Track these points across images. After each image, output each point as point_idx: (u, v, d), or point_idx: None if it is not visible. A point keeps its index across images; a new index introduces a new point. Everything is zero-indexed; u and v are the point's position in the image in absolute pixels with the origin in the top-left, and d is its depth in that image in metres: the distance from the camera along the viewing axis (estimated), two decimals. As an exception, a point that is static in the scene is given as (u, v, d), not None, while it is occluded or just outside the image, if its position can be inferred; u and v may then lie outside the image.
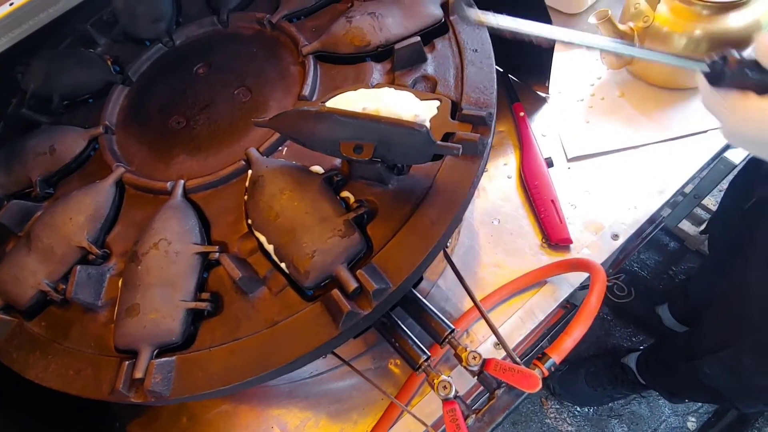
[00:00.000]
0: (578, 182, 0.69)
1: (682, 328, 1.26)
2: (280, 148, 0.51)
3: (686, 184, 0.68)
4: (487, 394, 0.46)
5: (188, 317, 0.43)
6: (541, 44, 0.41)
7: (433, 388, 0.46)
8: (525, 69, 0.78)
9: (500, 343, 0.48)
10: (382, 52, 0.55)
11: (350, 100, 0.47)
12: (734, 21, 0.63)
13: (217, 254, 0.45)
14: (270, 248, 0.44)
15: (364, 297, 0.40)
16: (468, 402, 0.59)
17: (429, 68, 0.53)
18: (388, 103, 0.45)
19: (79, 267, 0.46)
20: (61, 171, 0.56)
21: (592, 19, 0.64)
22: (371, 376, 0.61)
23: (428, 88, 0.52)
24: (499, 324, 0.60)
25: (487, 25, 0.42)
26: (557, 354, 0.45)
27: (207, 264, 0.46)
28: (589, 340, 1.39)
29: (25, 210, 0.53)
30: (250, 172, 0.49)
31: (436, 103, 0.48)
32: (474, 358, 0.45)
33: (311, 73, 0.54)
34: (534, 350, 0.71)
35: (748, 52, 0.34)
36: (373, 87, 0.52)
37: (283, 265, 0.43)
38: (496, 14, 0.41)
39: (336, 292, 0.40)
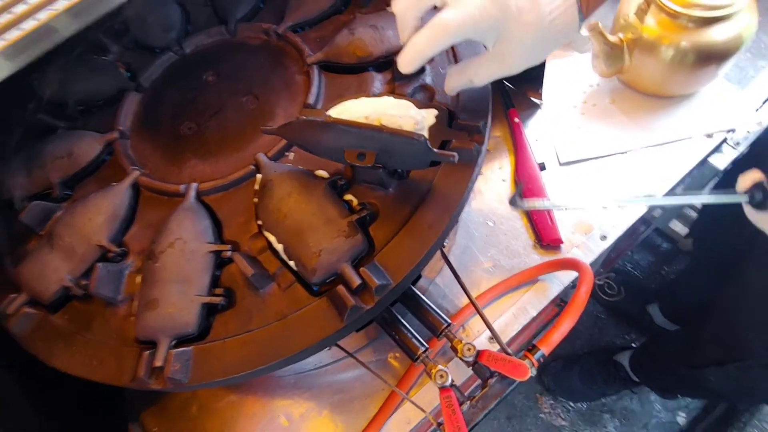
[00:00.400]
0: (570, 185, 0.72)
1: (673, 327, 1.29)
2: (287, 153, 0.54)
3: (674, 187, 0.71)
4: (481, 383, 0.49)
5: (203, 311, 0.46)
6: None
7: (430, 377, 0.49)
8: (519, 76, 0.80)
9: (494, 336, 0.51)
10: (383, 63, 0.58)
11: (353, 109, 0.50)
12: (718, 34, 0.66)
13: (230, 252, 0.48)
14: (279, 247, 0.47)
15: (367, 292, 0.44)
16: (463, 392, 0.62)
17: (428, 78, 0.56)
18: (389, 112, 0.48)
19: (99, 264, 0.49)
20: (78, 174, 0.59)
21: (583, 31, 0.68)
22: (372, 368, 0.64)
23: (426, 97, 0.55)
24: (493, 319, 0.63)
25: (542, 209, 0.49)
26: (546, 346, 0.48)
27: (220, 262, 0.49)
28: (583, 337, 1.43)
29: (46, 210, 0.56)
30: (259, 176, 0.52)
31: (434, 112, 0.52)
32: (469, 349, 0.48)
33: (316, 82, 0.57)
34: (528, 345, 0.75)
35: None
36: (375, 96, 0.55)
37: (291, 263, 0.46)
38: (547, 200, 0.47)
39: (341, 288, 0.44)
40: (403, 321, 0.53)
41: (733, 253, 0.79)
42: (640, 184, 0.70)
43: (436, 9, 0.44)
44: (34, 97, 0.68)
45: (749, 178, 0.44)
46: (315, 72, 0.59)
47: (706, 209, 1.06)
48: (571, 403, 1.34)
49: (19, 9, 0.47)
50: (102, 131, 0.61)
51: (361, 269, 0.44)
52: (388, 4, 0.54)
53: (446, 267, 0.69)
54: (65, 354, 0.48)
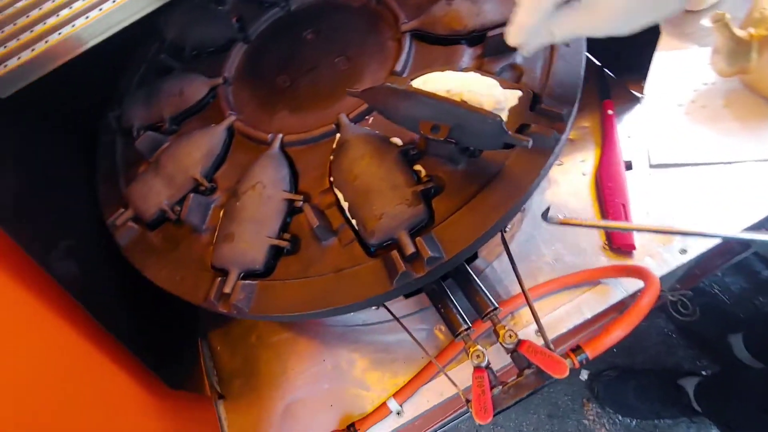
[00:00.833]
0: (657, 190, 0.67)
1: (757, 364, 1.17)
2: (367, 117, 0.56)
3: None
4: (517, 372, 0.50)
5: (271, 251, 0.51)
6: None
7: (468, 355, 0.50)
8: (623, 64, 0.75)
9: (539, 328, 0.51)
10: (476, 37, 0.57)
11: (437, 81, 0.51)
12: None
13: (301, 203, 0.52)
14: (345, 205, 0.50)
15: (419, 262, 0.45)
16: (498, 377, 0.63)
17: (518, 58, 0.54)
18: (471, 88, 0.48)
19: (192, 195, 0.55)
20: (185, 112, 0.66)
21: (705, 22, 0.61)
22: (419, 335, 0.67)
23: (514, 77, 0.54)
24: (544, 313, 0.62)
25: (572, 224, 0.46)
26: (591, 350, 0.47)
27: (292, 209, 0.53)
28: (648, 353, 1.35)
29: (156, 141, 0.63)
30: (338, 135, 0.55)
31: (518, 93, 0.50)
32: (510, 336, 0.49)
33: (405, 51, 0.58)
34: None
35: None
36: (461, 70, 0.55)
37: (354, 221, 0.49)
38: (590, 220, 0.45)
39: (395, 253, 0.46)
40: (450, 296, 0.55)
41: None
42: (740, 202, 0.64)
43: None
44: (158, 39, 0.76)
45: None
46: (407, 40, 0.59)
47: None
48: (619, 417, 1.29)
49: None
50: (210, 76, 0.68)
51: (417, 239, 0.46)
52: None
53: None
54: (155, 267, 0.55)
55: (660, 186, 0.67)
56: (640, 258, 0.63)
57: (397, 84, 0.52)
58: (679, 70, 0.74)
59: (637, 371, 1.29)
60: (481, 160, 0.49)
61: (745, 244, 0.93)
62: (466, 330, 0.52)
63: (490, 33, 0.54)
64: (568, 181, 0.72)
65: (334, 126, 0.56)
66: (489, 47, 0.55)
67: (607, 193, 0.66)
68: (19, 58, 0.51)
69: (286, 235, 0.52)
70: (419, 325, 0.68)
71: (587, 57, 0.79)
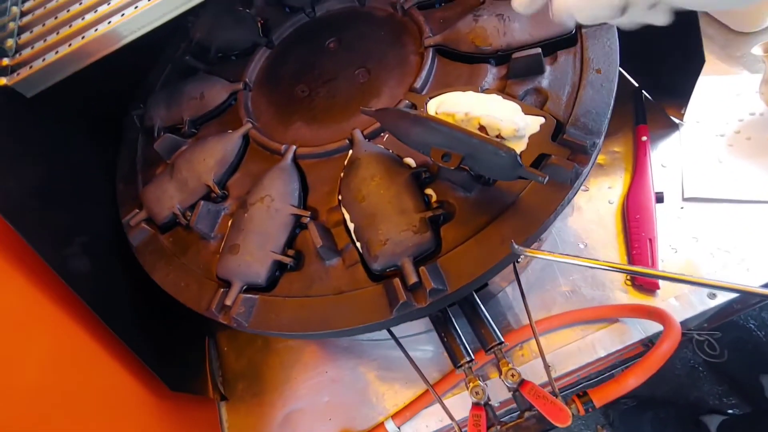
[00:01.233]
0: (688, 226, 0.63)
1: (790, 408, 1.10)
2: (382, 134, 0.55)
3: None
4: (519, 412, 0.47)
5: (274, 266, 0.50)
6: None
7: (467, 388, 0.49)
8: (662, 86, 0.71)
9: (545, 368, 0.49)
10: (501, 57, 0.55)
11: (456, 102, 0.49)
12: None
13: (308, 219, 0.51)
14: (351, 226, 0.49)
15: (421, 292, 0.44)
16: (500, 412, 0.61)
17: (544, 82, 0.52)
18: (490, 112, 0.46)
19: (202, 202, 0.55)
20: (205, 115, 0.66)
21: (757, 50, 0.56)
22: (425, 355, 0.65)
23: (538, 102, 0.51)
24: (553, 348, 0.59)
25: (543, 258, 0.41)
26: (598, 399, 0.45)
27: (298, 225, 0.53)
28: (670, 384, 1.28)
29: (175, 143, 0.64)
30: (350, 152, 0.54)
31: (541, 120, 0.48)
32: (512, 375, 0.46)
33: (427, 67, 0.56)
34: (588, 383, 0.69)
35: None
36: (483, 91, 0.53)
37: (358, 244, 0.48)
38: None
39: (397, 281, 0.44)
40: (455, 324, 0.53)
41: None
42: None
43: None
44: (185, 39, 0.76)
45: None
46: (429, 55, 0.57)
47: None
48: (634, 448, 1.23)
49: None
50: (232, 80, 0.68)
51: (421, 268, 0.44)
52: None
53: (522, 277, 0.66)
54: (163, 271, 0.56)
55: (692, 222, 0.63)
56: (664, 297, 0.59)
57: (415, 102, 0.51)
58: (724, 97, 0.69)
59: (656, 402, 1.23)
60: (494, 189, 0.47)
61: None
62: (468, 362, 0.51)
63: (515, 55, 0.51)
64: (593, 208, 0.68)
65: (347, 141, 0.55)
66: (513, 69, 0.52)
67: (634, 225, 0.62)
68: (44, 59, 0.52)
69: (291, 251, 0.51)
70: (426, 345, 0.67)
71: (624, 76, 0.76)
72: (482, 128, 0.46)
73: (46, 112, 0.57)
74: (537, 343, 0.49)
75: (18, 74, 0.52)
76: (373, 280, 0.47)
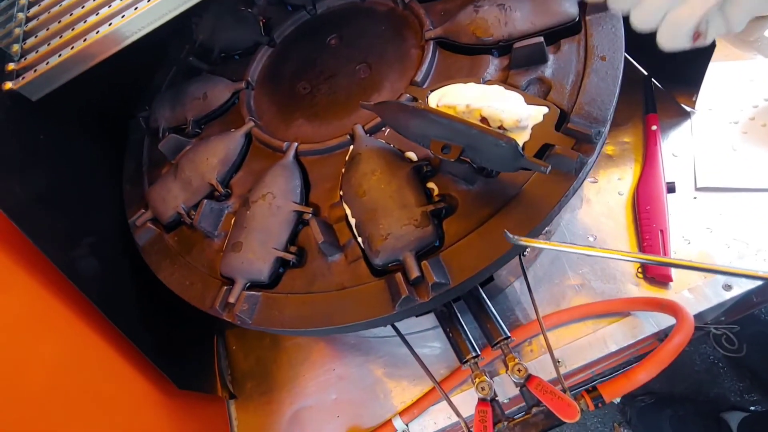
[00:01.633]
0: (701, 216, 0.61)
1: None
2: (383, 128, 0.54)
3: None
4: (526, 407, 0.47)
5: (277, 263, 0.50)
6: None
7: (474, 384, 0.48)
8: (672, 74, 0.69)
9: (553, 364, 0.48)
10: (503, 47, 0.54)
11: (457, 94, 0.48)
12: None
13: (310, 216, 0.51)
14: (352, 221, 0.48)
15: (424, 287, 0.43)
16: (512, 409, 0.60)
17: (547, 71, 0.50)
18: (492, 103, 0.45)
19: (206, 201, 0.56)
20: (208, 115, 0.67)
21: (770, 33, 0.54)
22: (433, 352, 0.65)
23: (541, 92, 0.50)
24: (563, 343, 0.58)
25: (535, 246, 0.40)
26: (609, 393, 0.43)
27: (300, 221, 0.52)
28: (689, 380, 1.26)
29: (179, 143, 0.64)
30: (351, 147, 0.53)
31: (544, 110, 0.47)
32: (519, 370, 0.45)
33: (428, 60, 0.56)
34: (600, 379, 0.68)
35: None
36: (485, 82, 0.52)
37: (360, 239, 0.47)
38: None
39: (399, 276, 0.44)
40: (461, 320, 0.52)
41: None
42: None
43: None
44: (189, 41, 0.77)
45: None
46: (430, 48, 0.57)
47: None
48: (653, 446, 1.21)
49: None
50: (234, 79, 0.68)
51: (423, 262, 0.43)
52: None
53: (531, 271, 0.65)
54: (169, 270, 0.56)
55: (706, 212, 0.61)
56: (677, 290, 0.58)
57: (417, 95, 0.51)
58: (738, 83, 0.67)
59: (675, 399, 1.20)
60: (497, 181, 0.46)
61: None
62: (474, 358, 0.50)
63: (517, 45, 0.50)
64: (602, 200, 0.67)
65: (348, 137, 0.54)
66: (515, 59, 0.51)
67: (644, 216, 0.61)
68: (47, 63, 0.53)
69: (293, 248, 0.51)
70: (433, 342, 0.66)
71: (633, 64, 0.74)
72: (484, 120, 0.45)
73: (52, 115, 0.58)
74: (544, 337, 0.48)
75: (23, 78, 0.53)
76: (376, 275, 0.47)
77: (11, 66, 0.55)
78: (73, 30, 0.56)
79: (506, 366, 0.48)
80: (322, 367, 0.70)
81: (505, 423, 0.45)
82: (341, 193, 0.51)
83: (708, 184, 0.62)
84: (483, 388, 0.46)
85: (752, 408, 1.17)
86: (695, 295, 0.56)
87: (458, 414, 0.49)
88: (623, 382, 0.44)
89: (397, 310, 0.43)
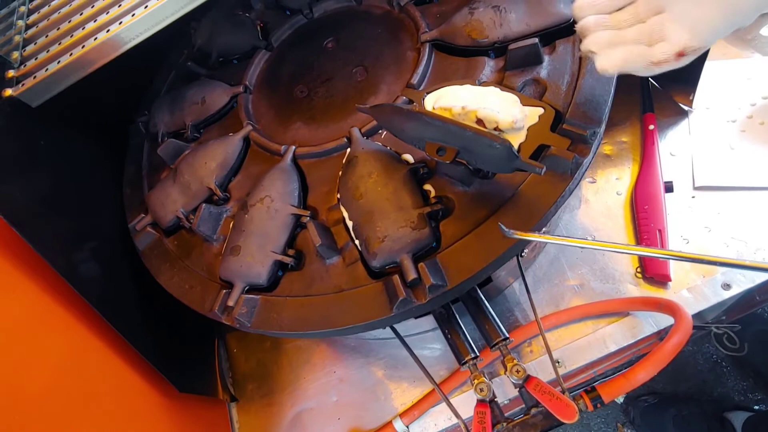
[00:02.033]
0: (700, 215, 0.61)
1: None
2: (380, 131, 0.55)
3: None
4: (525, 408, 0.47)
5: (275, 266, 0.51)
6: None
7: (472, 386, 0.48)
8: (669, 73, 0.68)
9: (552, 364, 0.48)
10: (498, 49, 0.54)
11: (452, 96, 0.48)
12: None
13: (308, 219, 0.51)
14: (350, 224, 0.49)
15: (421, 289, 0.43)
16: (512, 411, 0.60)
17: (543, 72, 0.51)
18: (487, 105, 0.45)
19: (204, 205, 0.56)
20: (207, 120, 0.67)
21: (766, 31, 0.54)
22: (433, 353, 0.65)
23: (537, 93, 0.50)
24: (563, 343, 0.58)
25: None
26: (607, 394, 0.43)
27: (298, 224, 0.53)
28: (692, 380, 1.25)
29: (178, 148, 0.65)
30: (348, 150, 0.53)
31: (540, 111, 0.47)
32: (517, 371, 0.46)
33: (424, 62, 0.56)
34: (601, 379, 0.68)
35: None
36: (481, 84, 0.52)
37: (357, 242, 0.48)
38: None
39: (396, 278, 0.44)
40: (459, 321, 0.52)
41: None
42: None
43: None
44: (188, 45, 0.77)
45: None
46: (426, 51, 0.57)
47: None
48: (656, 446, 1.20)
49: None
50: (232, 84, 0.68)
51: (420, 264, 0.44)
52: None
53: (531, 271, 0.65)
54: (168, 273, 0.57)
55: (704, 211, 0.61)
56: (676, 290, 0.58)
57: (413, 97, 0.51)
58: (735, 82, 0.67)
59: (678, 399, 1.19)
60: (493, 183, 0.47)
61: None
62: (472, 359, 0.50)
63: (512, 46, 0.50)
64: (601, 200, 0.67)
65: (345, 139, 0.55)
66: (511, 60, 0.51)
67: (642, 216, 0.61)
68: (47, 69, 0.54)
69: (291, 251, 0.51)
70: (433, 343, 0.66)
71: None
72: (480, 121, 0.45)
73: (52, 121, 0.58)
74: (543, 338, 0.48)
75: (23, 85, 0.54)
76: (373, 277, 0.47)
77: (11, 73, 0.56)
78: (71, 37, 0.56)
79: (505, 367, 0.47)
80: (323, 369, 0.71)
81: (504, 424, 0.45)
82: (338, 195, 0.51)
83: (706, 183, 0.62)
84: (482, 390, 0.46)
85: (756, 407, 1.17)
86: (694, 294, 0.56)
87: (457, 415, 0.49)
88: (622, 382, 0.44)
89: (394, 312, 0.44)
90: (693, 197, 0.62)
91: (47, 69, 0.54)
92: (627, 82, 0.73)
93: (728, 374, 1.23)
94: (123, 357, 0.56)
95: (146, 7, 0.55)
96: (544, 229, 0.47)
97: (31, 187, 0.53)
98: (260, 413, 0.71)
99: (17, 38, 0.59)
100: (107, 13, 0.57)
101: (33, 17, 0.61)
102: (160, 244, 0.60)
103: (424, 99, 0.50)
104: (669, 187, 0.61)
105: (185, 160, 0.62)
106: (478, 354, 0.50)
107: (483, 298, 0.52)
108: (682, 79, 0.66)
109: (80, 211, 0.59)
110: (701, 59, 0.59)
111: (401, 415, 0.62)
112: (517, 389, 0.47)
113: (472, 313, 0.52)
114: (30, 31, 0.59)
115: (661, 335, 0.58)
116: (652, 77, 0.71)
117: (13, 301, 0.47)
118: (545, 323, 0.59)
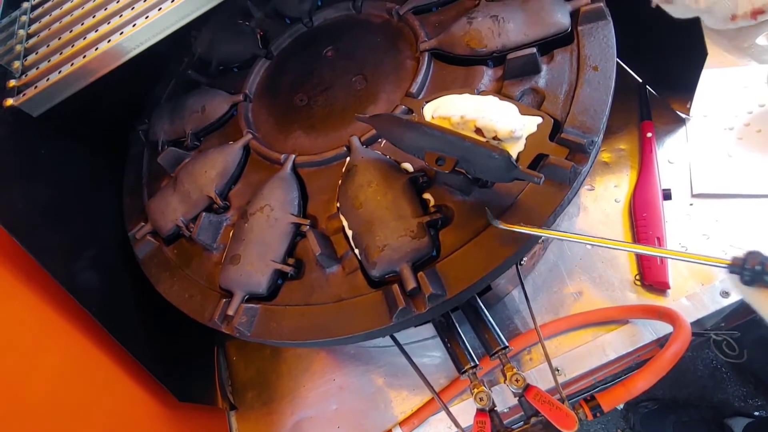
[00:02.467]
0: (698, 223, 0.61)
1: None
2: (380, 140, 0.55)
3: None
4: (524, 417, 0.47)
5: (275, 275, 0.51)
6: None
7: (472, 394, 0.48)
8: (666, 81, 0.69)
9: (551, 373, 0.48)
10: (497, 58, 0.54)
11: (451, 105, 0.48)
12: None
13: (307, 227, 0.52)
14: (349, 233, 0.49)
15: (421, 298, 0.43)
16: (512, 418, 0.60)
17: (541, 81, 0.51)
18: (486, 114, 0.46)
19: (204, 214, 0.56)
20: (207, 128, 0.67)
21: (763, 40, 0.55)
22: (433, 361, 0.65)
23: (535, 102, 0.51)
24: (563, 351, 0.58)
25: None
26: (606, 403, 0.43)
27: (298, 233, 0.53)
28: (692, 386, 1.25)
29: (178, 156, 0.65)
30: (348, 158, 0.54)
31: (538, 120, 0.47)
32: (517, 380, 0.46)
33: (423, 71, 0.56)
34: (602, 386, 0.68)
35: None
36: (479, 93, 0.52)
37: (356, 251, 0.48)
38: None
39: (396, 287, 0.44)
40: (459, 330, 0.52)
41: None
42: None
43: None
44: (188, 54, 0.78)
45: None
46: (425, 60, 0.57)
47: None
48: (656, 453, 1.20)
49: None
50: (232, 92, 0.68)
51: (420, 273, 0.44)
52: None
53: (530, 279, 0.65)
54: (168, 282, 0.57)
55: (702, 219, 0.61)
56: (675, 298, 0.58)
57: (412, 106, 0.51)
58: (732, 89, 0.67)
59: (678, 405, 1.19)
60: (492, 192, 0.47)
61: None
62: (472, 368, 0.50)
63: (510, 56, 0.51)
64: (599, 208, 0.67)
65: (345, 148, 0.55)
66: (509, 70, 0.52)
67: (641, 223, 0.61)
68: (48, 79, 0.54)
69: (291, 260, 0.51)
70: (433, 351, 0.66)
71: (627, 72, 0.75)
72: (478, 131, 0.46)
73: (53, 130, 0.59)
74: (542, 346, 0.48)
75: (24, 95, 0.54)
76: (373, 286, 0.47)
77: (12, 83, 0.56)
78: (73, 47, 0.57)
79: (504, 376, 0.48)
80: (323, 378, 0.70)
81: (504, 433, 0.45)
82: (338, 204, 0.52)
83: (704, 191, 0.62)
84: (481, 399, 0.46)
85: (756, 413, 1.16)
86: (693, 302, 0.56)
87: (457, 424, 0.48)
88: (621, 391, 0.44)
89: (394, 321, 0.44)
90: (691, 204, 0.62)
91: (48, 78, 0.54)
92: (625, 90, 0.74)
93: (728, 380, 1.23)
94: (122, 366, 0.56)
95: (147, 17, 0.56)
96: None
97: (31, 196, 0.53)
98: (260, 421, 0.71)
99: (18, 48, 0.59)
100: (109, 23, 0.57)
101: (34, 27, 0.61)
102: (160, 252, 0.60)
103: (423, 108, 0.50)
104: (667, 195, 0.62)
105: (185, 169, 0.62)
106: (477, 363, 0.50)
107: (482, 306, 0.53)
108: (680, 87, 0.66)
109: (80, 219, 0.59)
110: (699, 67, 0.60)
111: (401, 423, 0.61)
112: (517, 398, 0.47)
113: (471, 321, 0.52)
114: (31, 41, 0.60)
115: (661, 342, 0.59)
116: (649, 85, 0.72)
117: (12, 310, 0.47)
118: (544, 331, 0.59)
